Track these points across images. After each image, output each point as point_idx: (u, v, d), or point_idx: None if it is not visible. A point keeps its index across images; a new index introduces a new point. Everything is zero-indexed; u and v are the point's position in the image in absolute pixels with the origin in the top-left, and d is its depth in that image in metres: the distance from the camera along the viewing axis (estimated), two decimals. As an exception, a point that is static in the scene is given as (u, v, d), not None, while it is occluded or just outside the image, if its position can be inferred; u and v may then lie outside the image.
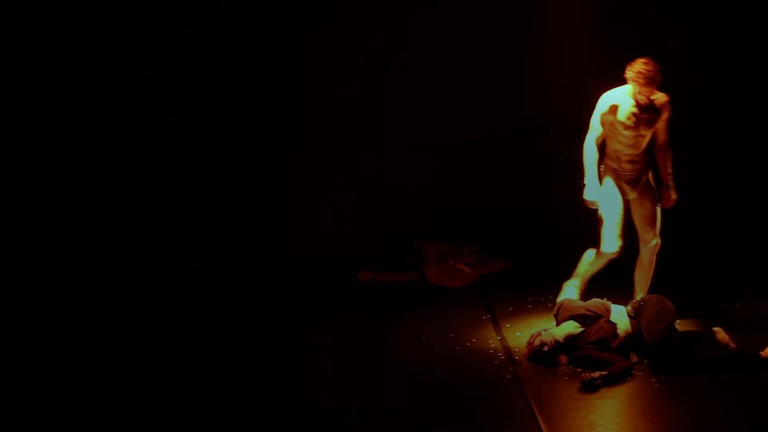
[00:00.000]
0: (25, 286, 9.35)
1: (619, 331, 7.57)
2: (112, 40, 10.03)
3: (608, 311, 7.76)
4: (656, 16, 10.26)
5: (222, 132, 10.42)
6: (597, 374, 7.09)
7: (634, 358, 7.49)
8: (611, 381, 7.09)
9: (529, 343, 7.58)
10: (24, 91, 9.91)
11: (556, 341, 7.45)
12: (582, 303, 7.92)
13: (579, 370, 7.31)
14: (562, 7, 10.34)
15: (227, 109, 10.39)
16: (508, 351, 7.81)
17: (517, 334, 8.22)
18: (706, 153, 10.38)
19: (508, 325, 8.44)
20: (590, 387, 7.03)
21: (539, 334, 7.58)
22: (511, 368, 7.47)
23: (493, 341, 8.06)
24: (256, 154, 10.46)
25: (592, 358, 7.34)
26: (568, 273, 9.94)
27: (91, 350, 7.97)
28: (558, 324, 7.77)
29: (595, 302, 7.86)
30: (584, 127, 10.37)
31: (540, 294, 9.18)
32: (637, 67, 7.85)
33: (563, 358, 7.41)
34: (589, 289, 8.48)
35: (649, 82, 7.85)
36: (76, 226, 10.04)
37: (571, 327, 7.60)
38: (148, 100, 10.14)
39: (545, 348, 7.46)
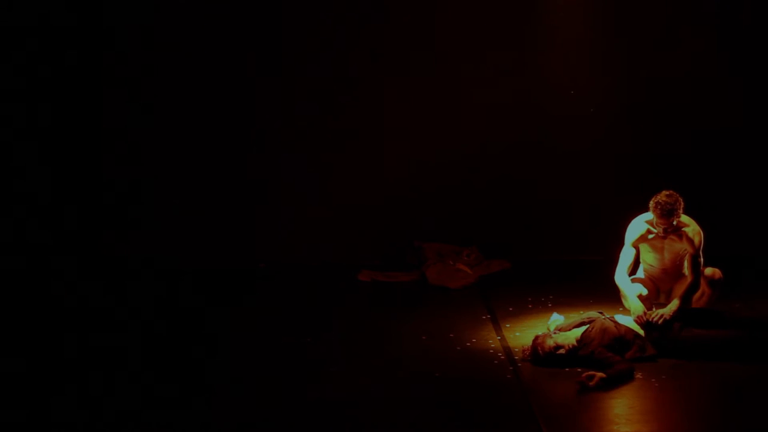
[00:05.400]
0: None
1: (621, 322, 7.62)
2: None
3: (602, 313, 7.78)
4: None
5: (220, 132, 10.43)
6: (596, 376, 7.08)
7: (650, 348, 7.52)
8: (610, 383, 7.08)
9: (538, 344, 7.52)
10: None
11: (573, 346, 7.43)
12: (575, 319, 7.91)
13: (579, 370, 7.30)
14: (561, 10, 10.37)
15: (224, 108, 10.41)
16: (508, 351, 7.80)
17: (517, 334, 8.21)
18: (707, 153, 10.41)
19: (508, 325, 8.44)
20: (588, 388, 7.03)
21: (548, 336, 7.54)
22: (511, 368, 7.47)
23: (493, 341, 8.06)
24: (256, 155, 10.47)
25: (594, 358, 7.33)
26: (568, 273, 9.99)
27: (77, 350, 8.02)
28: None
29: (588, 313, 7.89)
30: (583, 123, 10.47)
31: (540, 294, 9.18)
32: (657, 198, 7.77)
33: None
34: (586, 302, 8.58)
35: (664, 214, 7.74)
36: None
37: (579, 332, 7.60)
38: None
39: (561, 351, 7.42)
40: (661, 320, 7.68)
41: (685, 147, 10.39)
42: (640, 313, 7.78)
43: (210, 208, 10.45)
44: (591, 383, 7.02)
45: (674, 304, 7.76)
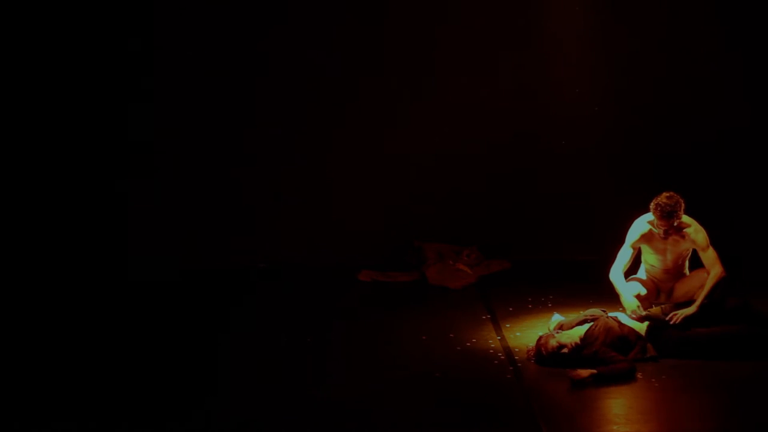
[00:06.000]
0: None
1: (624, 322, 7.63)
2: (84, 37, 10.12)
3: (605, 312, 7.80)
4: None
5: (219, 133, 10.44)
6: (587, 373, 7.09)
7: (651, 350, 7.53)
8: (603, 380, 7.08)
9: (542, 344, 7.53)
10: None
11: (576, 344, 7.43)
12: (578, 316, 7.92)
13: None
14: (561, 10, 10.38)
15: (223, 108, 10.41)
16: (508, 351, 7.80)
17: (517, 334, 8.22)
18: (707, 153, 10.42)
19: (508, 325, 8.44)
20: (578, 384, 7.04)
21: (551, 336, 7.54)
22: (511, 368, 7.47)
23: (493, 341, 8.06)
24: (257, 156, 10.47)
25: (598, 357, 7.32)
26: (568, 273, 9.99)
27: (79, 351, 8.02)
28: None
29: (591, 310, 7.90)
30: (582, 123, 10.47)
31: (540, 294, 9.18)
32: (657, 200, 7.77)
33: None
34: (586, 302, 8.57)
35: (664, 215, 7.75)
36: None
37: (582, 330, 7.59)
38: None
39: (565, 350, 7.42)
40: (681, 320, 7.69)
41: (686, 147, 10.39)
42: (635, 308, 7.80)
43: (210, 208, 10.45)
44: (581, 378, 7.04)
45: (696, 305, 7.77)
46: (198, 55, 10.30)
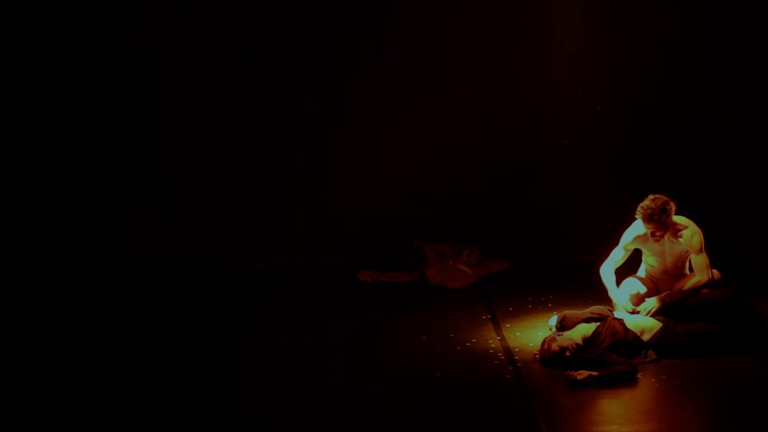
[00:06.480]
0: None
1: (630, 326, 7.62)
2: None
3: (611, 311, 7.80)
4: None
5: (219, 133, 10.43)
6: (585, 374, 7.09)
7: (651, 354, 7.53)
8: (602, 382, 7.08)
9: (545, 348, 7.52)
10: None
11: (577, 344, 7.42)
12: (584, 311, 7.93)
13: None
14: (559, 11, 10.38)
15: (223, 108, 10.41)
16: (508, 351, 7.81)
17: (517, 334, 8.22)
18: (707, 153, 10.41)
19: (508, 325, 8.44)
20: (579, 385, 7.05)
21: (553, 339, 7.53)
22: (511, 368, 7.47)
23: (493, 341, 8.06)
24: (257, 156, 10.47)
25: (604, 360, 7.32)
26: (568, 273, 9.98)
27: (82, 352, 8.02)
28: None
29: (596, 307, 7.90)
30: (582, 123, 10.47)
31: (540, 294, 9.18)
32: (643, 202, 7.76)
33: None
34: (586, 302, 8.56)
35: (646, 218, 7.73)
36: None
37: (585, 329, 7.58)
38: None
39: (567, 353, 7.40)
40: (649, 314, 7.73)
41: (686, 147, 10.39)
42: (625, 304, 7.84)
43: (210, 208, 10.45)
44: (579, 378, 7.04)
45: (660, 299, 7.84)
46: (197, 55, 10.30)
